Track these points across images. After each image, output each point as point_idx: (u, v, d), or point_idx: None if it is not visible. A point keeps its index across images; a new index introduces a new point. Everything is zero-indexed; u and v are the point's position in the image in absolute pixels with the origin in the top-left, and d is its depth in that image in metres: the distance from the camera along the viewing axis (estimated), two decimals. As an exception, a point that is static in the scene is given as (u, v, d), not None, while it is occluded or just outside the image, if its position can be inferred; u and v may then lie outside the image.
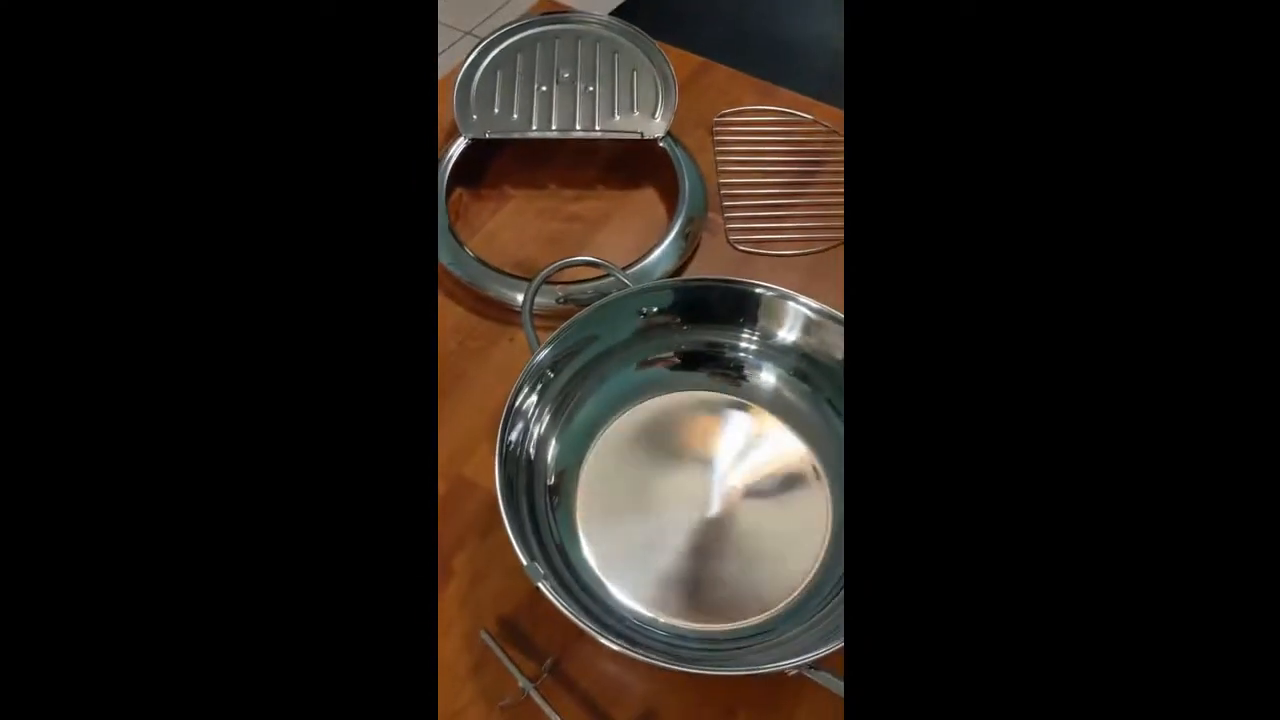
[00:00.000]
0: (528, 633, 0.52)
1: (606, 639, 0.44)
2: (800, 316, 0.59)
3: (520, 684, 0.49)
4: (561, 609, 0.44)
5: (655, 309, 0.60)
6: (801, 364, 0.60)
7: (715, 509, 0.56)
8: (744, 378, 0.61)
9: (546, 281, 0.60)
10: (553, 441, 0.58)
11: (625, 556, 0.54)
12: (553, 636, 0.52)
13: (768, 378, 0.61)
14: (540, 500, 0.55)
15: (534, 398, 0.56)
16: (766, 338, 0.60)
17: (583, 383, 0.59)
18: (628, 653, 0.44)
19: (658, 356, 0.61)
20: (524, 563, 0.46)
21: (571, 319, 0.57)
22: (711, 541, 0.55)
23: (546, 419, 0.57)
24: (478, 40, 0.78)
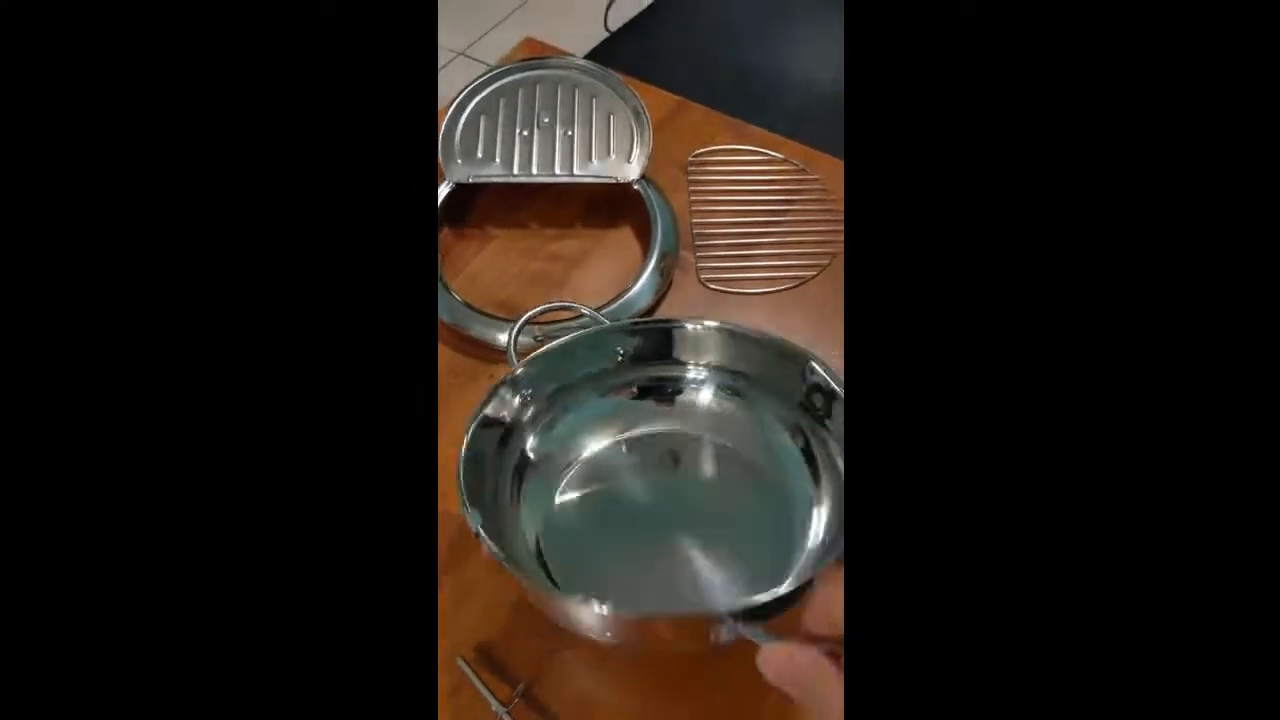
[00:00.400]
0: (501, 660, 0.56)
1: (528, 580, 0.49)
2: (720, 341, 0.63)
3: (494, 708, 0.53)
4: (498, 558, 0.49)
5: (630, 349, 0.64)
6: (737, 382, 0.64)
7: (672, 531, 0.59)
8: (686, 404, 0.65)
9: (528, 322, 0.64)
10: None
11: (588, 567, 0.57)
12: (525, 663, 0.56)
13: (705, 399, 0.65)
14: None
15: (506, 405, 0.60)
16: (698, 365, 0.65)
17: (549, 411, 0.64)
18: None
19: (613, 391, 0.65)
20: (466, 508, 0.51)
21: (526, 359, 0.61)
22: (673, 559, 0.57)
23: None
24: (464, 87, 0.82)
